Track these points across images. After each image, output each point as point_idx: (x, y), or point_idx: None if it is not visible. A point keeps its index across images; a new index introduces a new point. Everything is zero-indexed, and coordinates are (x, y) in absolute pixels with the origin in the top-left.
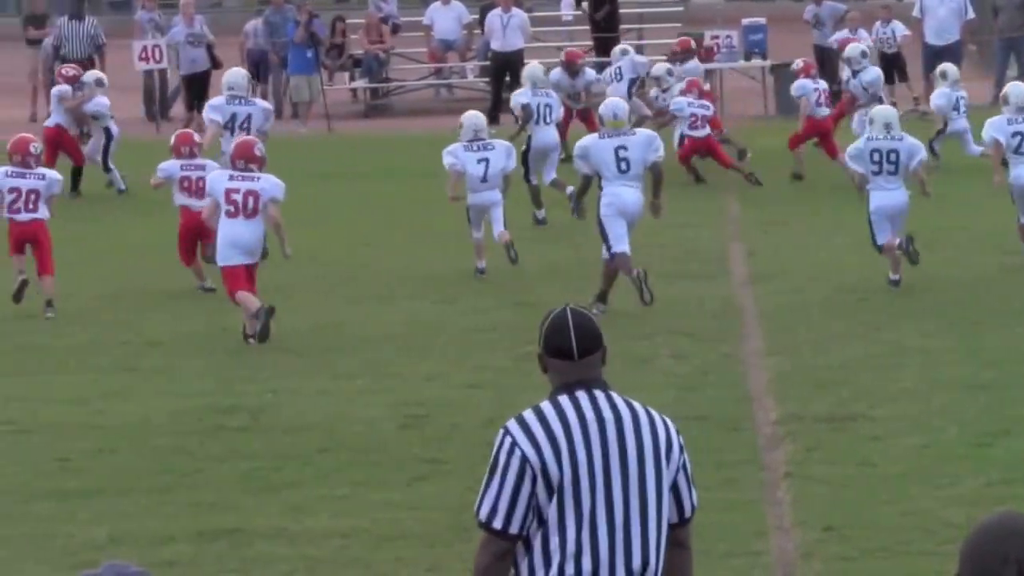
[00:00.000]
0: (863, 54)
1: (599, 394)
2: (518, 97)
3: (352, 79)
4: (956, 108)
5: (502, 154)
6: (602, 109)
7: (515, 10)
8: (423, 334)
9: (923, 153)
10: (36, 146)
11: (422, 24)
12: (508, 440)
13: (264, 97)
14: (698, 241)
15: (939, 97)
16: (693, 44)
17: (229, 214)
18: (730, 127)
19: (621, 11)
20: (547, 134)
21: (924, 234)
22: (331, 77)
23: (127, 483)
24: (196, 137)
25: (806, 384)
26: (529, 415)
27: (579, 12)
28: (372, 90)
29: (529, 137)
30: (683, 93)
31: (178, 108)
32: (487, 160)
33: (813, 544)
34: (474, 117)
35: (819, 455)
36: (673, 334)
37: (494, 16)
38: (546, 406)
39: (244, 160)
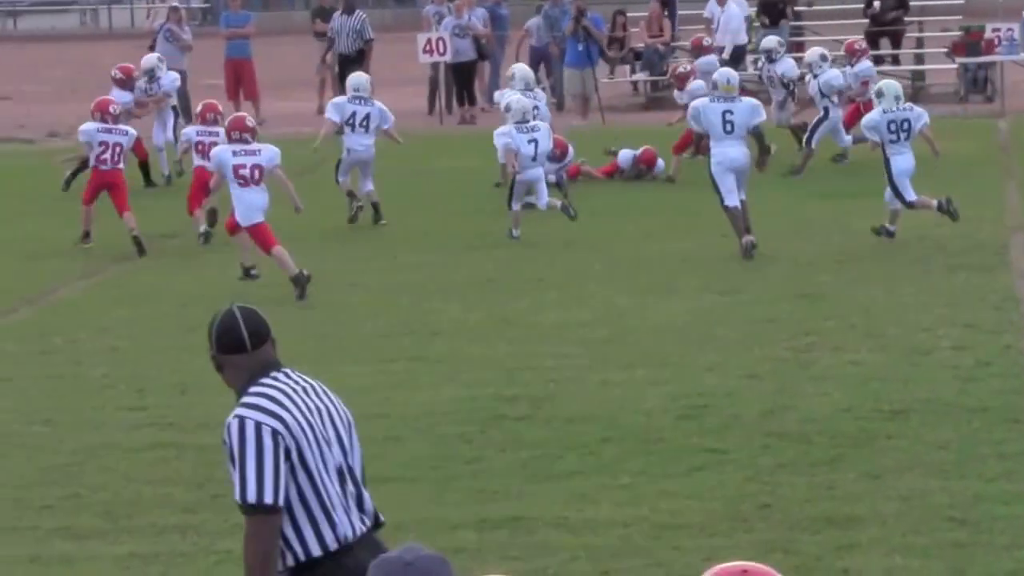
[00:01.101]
0: (823, 57)
1: (289, 371)
2: (502, 96)
3: (633, 72)
4: None
5: (546, 134)
6: (716, 76)
7: (729, 3)
8: (704, 324)
9: (927, 117)
10: (115, 107)
11: (703, 17)
12: (250, 424)
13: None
14: (979, 233)
15: None
16: (706, 41)
17: (241, 184)
18: (1010, 121)
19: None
20: None
21: None
22: (612, 70)
23: (412, 471)
24: (220, 107)
25: None
26: (256, 400)
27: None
28: (652, 83)
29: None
30: None
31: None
32: (536, 140)
33: None
34: (523, 101)
35: None
36: (954, 326)
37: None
38: (263, 389)
39: (239, 131)
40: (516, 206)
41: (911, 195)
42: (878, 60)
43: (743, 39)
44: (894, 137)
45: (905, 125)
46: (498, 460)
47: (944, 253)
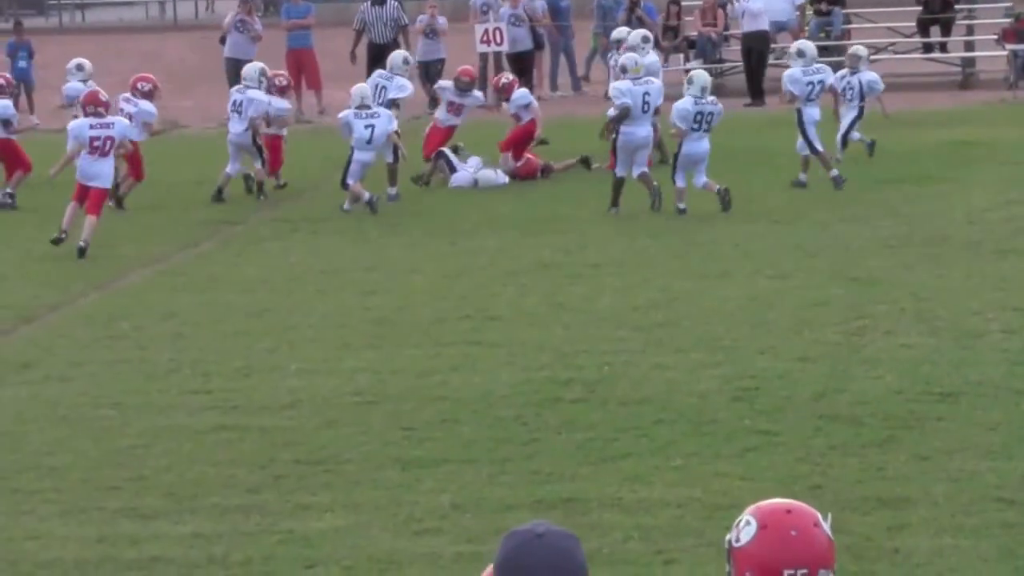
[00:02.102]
0: (645, 39)
1: None
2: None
3: (686, 60)
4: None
5: (385, 120)
6: (625, 59)
7: None
8: (756, 308)
9: (722, 112)
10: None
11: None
12: None
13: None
14: None
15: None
16: (475, 73)
17: (90, 153)
18: None
19: None
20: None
21: None
22: (666, 59)
23: (469, 453)
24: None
25: None
26: None
27: None
28: (706, 71)
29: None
30: None
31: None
32: (373, 126)
33: None
34: (362, 88)
35: None
36: (1003, 309)
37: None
38: None
39: (93, 105)
40: (352, 182)
41: (682, 180)
42: (927, 47)
43: (762, 24)
44: (696, 127)
45: (709, 118)
46: (553, 442)
47: (993, 237)
